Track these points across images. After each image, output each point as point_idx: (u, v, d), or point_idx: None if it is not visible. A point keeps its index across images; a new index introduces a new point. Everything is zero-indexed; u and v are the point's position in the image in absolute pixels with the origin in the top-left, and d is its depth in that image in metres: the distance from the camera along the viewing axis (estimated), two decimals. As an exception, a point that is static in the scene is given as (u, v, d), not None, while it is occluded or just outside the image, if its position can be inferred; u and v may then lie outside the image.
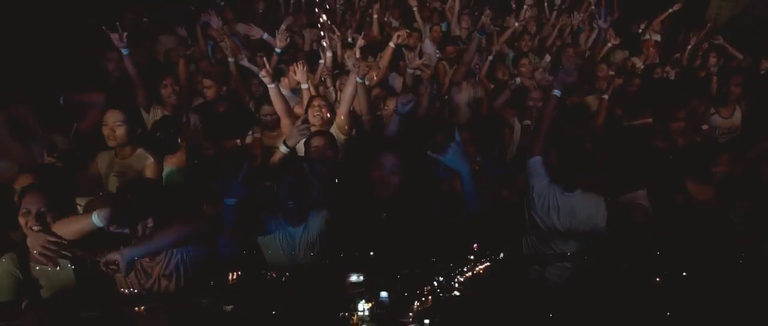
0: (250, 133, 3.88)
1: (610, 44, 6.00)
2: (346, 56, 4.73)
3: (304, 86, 3.95)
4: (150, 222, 2.18)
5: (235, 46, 4.80)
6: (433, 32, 6.26)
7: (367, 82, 3.60)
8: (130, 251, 1.95)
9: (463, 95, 4.40)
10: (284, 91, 4.03)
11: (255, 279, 2.26)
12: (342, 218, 2.55)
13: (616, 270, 2.42)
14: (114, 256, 1.91)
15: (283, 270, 2.46)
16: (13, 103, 3.35)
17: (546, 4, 7.54)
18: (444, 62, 5.41)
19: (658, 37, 7.25)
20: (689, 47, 6.44)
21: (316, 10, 6.81)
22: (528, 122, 3.92)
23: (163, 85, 3.78)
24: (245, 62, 4.19)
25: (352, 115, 3.49)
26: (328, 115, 3.57)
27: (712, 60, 5.70)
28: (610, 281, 2.40)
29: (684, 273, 2.15)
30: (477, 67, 5.08)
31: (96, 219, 2.03)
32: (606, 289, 2.37)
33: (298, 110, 3.95)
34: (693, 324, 2.10)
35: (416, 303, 1.79)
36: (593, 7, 7.09)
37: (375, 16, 6.26)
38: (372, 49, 5.43)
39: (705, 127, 4.19)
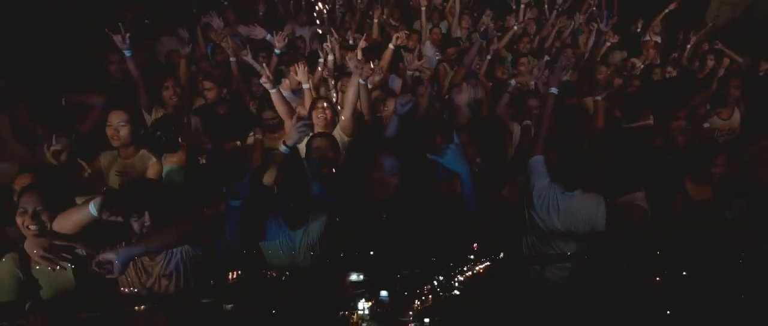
0: (252, 134, 3.89)
1: (608, 44, 6.01)
2: (347, 58, 4.75)
3: (305, 86, 3.97)
4: (147, 221, 2.19)
5: (236, 45, 4.82)
6: (433, 34, 6.28)
7: (369, 85, 3.62)
8: (125, 251, 1.94)
9: (464, 96, 4.42)
10: (285, 93, 4.04)
11: (255, 279, 2.27)
12: (342, 219, 2.56)
13: (616, 270, 2.42)
14: (108, 256, 1.90)
15: (283, 272, 2.47)
16: (15, 105, 3.36)
17: (546, 6, 7.56)
18: (445, 63, 5.42)
19: (658, 39, 7.26)
20: (689, 46, 6.45)
21: (316, 13, 6.82)
22: (528, 122, 3.93)
23: (164, 86, 3.80)
24: (249, 58, 4.21)
25: (356, 117, 3.50)
26: (332, 116, 3.58)
27: (710, 63, 5.71)
28: (609, 281, 2.40)
29: (684, 273, 2.16)
30: (477, 67, 5.09)
31: (92, 208, 2.03)
32: (606, 289, 2.38)
33: (300, 111, 3.96)
34: (693, 324, 2.11)
35: (416, 303, 1.80)
36: (594, 9, 7.11)
37: (375, 20, 6.25)
38: (372, 51, 5.44)
39: (706, 125, 4.20)
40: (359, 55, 4.43)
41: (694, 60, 6.32)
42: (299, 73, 3.92)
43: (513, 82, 4.41)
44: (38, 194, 2.23)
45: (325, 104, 3.61)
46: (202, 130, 3.92)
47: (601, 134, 3.95)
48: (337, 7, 7.10)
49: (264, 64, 3.60)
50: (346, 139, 3.39)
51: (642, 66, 6.07)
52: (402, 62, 4.89)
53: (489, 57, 5.19)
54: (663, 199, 2.98)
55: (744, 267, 2.23)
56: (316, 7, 6.86)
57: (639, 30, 7.52)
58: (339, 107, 3.97)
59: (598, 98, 4.15)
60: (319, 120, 3.52)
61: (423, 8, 6.38)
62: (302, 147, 3.28)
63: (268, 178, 2.54)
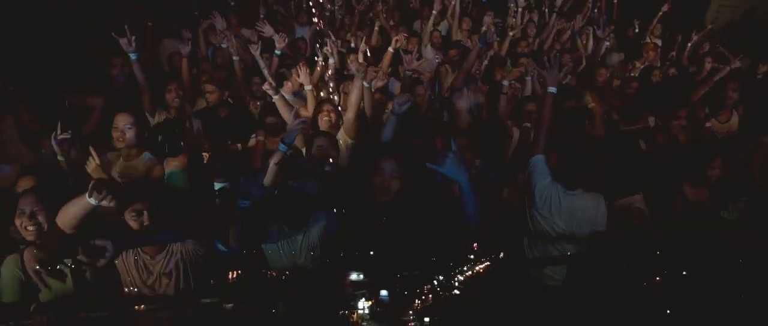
0: (253, 136, 3.90)
1: (607, 44, 6.02)
2: (349, 61, 4.77)
3: (307, 88, 4.00)
4: (146, 220, 2.21)
5: (240, 45, 4.85)
6: (434, 37, 6.30)
7: (372, 88, 3.64)
8: (120, 240, 1.97)
9: (464, 102, 4.44)
10: (287, 96, 4.06)
11: (255, 279, 2.28)
12: (342, 222, 2.57)
13: (616, 270, 2.43)
14: (102, 242, 1.93)
15: (283, 272, 2.48)
16: (19, 105, 3.37)
17: (546, 9, 7.58)
18: (446, 65, 5.44)
19: (658, 41, 7.27)
20: (690, 45, 6.47)
21: (316, 15, 6.85)
22: (527, 125, 3.94)
23: (167, 90, 3.82)
24: (257, 54, 4.25)
25: (359, 119, 3.53)
26: (336, 119, 3.62)
27: (708, 66, 5.73)
28: (609, 281, 2.41)
29: (684, 273, 2.16)
30: (477, 72, 5.10)
31: (91, 198, 2.04)
32: (605, 289, 2.38)
33: (303, 113, 3.99)
34: (693, 324, 2.11)
35: (416, 302, 1.80)
36: (595, 11, 7.12)
37: (376, 28, 6.26)
38: (372, 53, 5.46)
39: (708, 124, 4.21)
40: (361, 58, 4.44)
41: (694, 61, 6.33)
42: (301, 76, 3.95)
43: (505, 82, 4.41)
44: (35, 195, 2.25)
45: (330, 107, 3.65)
46: (203, 132, 3.94)
47: (599, 138, 3.96)
48: (336, 8, 7.13)
49: (266, 71, 3.62)
50: (349, 141, 3.41)
51: (641, 67, 6.08)
52: (401, 65, 4.91)
53: (486, 62, 5.21)
54: (661, 202, 2.99)
55: (744, 267, 2.23)
56: (315, 10, 6.89)
57: (637, 30, 7.54)
58: (341, 110, 4.00)
59: (592, 105, 4.14)
60: (324, 123, 3.57)
61: (434, 12, 6.40)
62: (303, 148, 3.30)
63: (267, 179, 2.55)
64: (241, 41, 5.52)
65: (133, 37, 3.61)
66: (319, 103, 3.75)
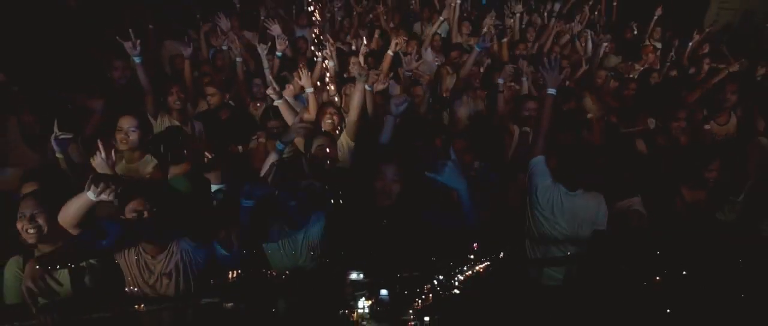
0: (255, 138, 3.92)
1: (605, 45, 6.05)
2: (351, 64, 4.80)
3: (309, 90, 4.02)
4: (145, 213, 2.23)
5: (243, 47, 4.88)
6: (434, 40, 6.32)
7: (374, 91, 3.66)
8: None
9: (464, 109, 4.47)
10: (289, 99, 4.08)
11: (255, 279, 2.28)
12: (343, 225, 2.58)
13: (616, 270, 2.43)
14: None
15: (283, 271, 2.49)
16: (23, 107, 3.38)
17: (546, 12, 7.61)
18: (447, 67, 5.46)
19: (658, 44, 7.30)
20: (691, 45, 6.48)
21: (314, 19, 6.88)
22: (526, 129, 3.94)
23: (169, 93, 3.84)
24: (263, 53, 4.27)
25: (361, 122, 3.55)
26: (339, 121, 3.66)
27: (705, 67, 5.75)
28: (609, 281, 2.41)
29: (684, 273, 2.17)
30: (477, 80, 5.12)
31: (90, 192, 2.06)
32: (605, 289, 2.39)
33: (306, 116, 4.01)
34: (692, 324, 2.12)
35: (417, 302, 1.81)
36: (595, 14, 7.14)
37: (376, 35, 6.29)
38: (372, 55, 5.48)
39: (707, 126, 4.21)
40: (362, 61, 4.46)
41: (693, 62, 6.35)
42: (303, 79, 3.98)
43: (501, 80, 4.43)
44: (34, 199, 2.28)
45: (333, 109, 3.69)
46: (205, 135, 3.96)
47: (597, 142, 3.97)
48: (335, 11, 7.16)
49: (269, 73, 3.63)
50: (351, 144, 3.43)
51: (641, 69, 6.10)
52: (401, 67, 4.93)
53: (482, 70, 5.23)
54: (660, 204, 3.00)
55: (744, 267, 2.24)
56: (315, 13, 6.92)
57: (636, 32, 7.56)
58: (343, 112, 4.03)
59: (590, 116, 4.15)
60: (327, 125, 3.60)
61: (442, 18, 6.42)
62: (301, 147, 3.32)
63: (266, 177, 2.58)
64: (243, 43, 5.54)
65: (139, 42, 3.63)
66: (322, 105, 3.78)
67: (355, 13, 7.28)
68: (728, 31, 8.30)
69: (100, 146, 2.70)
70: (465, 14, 7.49)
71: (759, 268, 2.20)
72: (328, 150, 3.04)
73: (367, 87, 3.39)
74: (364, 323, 1.74)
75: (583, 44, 6.69)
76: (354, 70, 3.67)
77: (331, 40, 4.90)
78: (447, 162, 2.19)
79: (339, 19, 7.26)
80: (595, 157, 2.93)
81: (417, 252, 2.24)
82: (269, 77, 3.99)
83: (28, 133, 3.34)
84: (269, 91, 3.42)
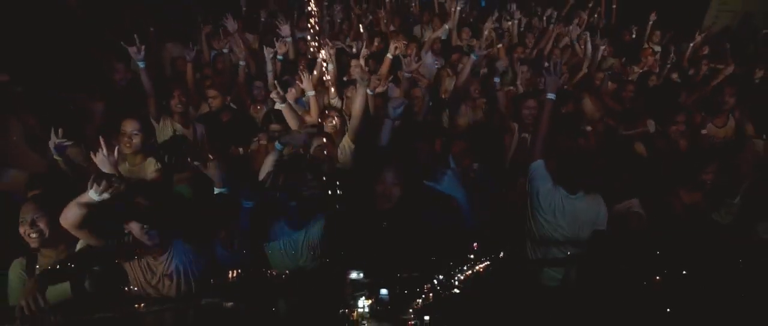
0: (256, 140, 3.94)
1: (604, 48, 6.07)
2: (352, 68, 4.82)
3: (310, 93, 4.04)
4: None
5: (246, 49, 4.90)
6: (434, 44, 6.34)
7: (374, 93, 3.68)
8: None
9: (463, 119, 4.49)
10: (292, 103, 4.10)
11: (255, 279, 2.30)
12: (344, 228, 2.59)
13: (615, 270, 2.44)
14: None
15: (283, 271, 2.50)
16: (27, 110, 3.40)
17: (545, 17, 7.63)
18: (447, 69, 5.47)
19: (657, 47, 7.32)
20: (692, 45, 6.49)
21: (314, 21, 6.91)
22: (525, 135, 3.95)
23: (171, 96, 3.86)
24: (269, 56, 4.30)
25: (363, 125, 3.56)
26: (342, 124, 3.69)
27: (704, 68, 5.76)
28: (609, 281, 2.42)
29: (684, 273, 2.18)
30: (475, 90, 5.13)
31: (92, 191, 2.06)
32: (605, 289, 2.40)
33: (308, 119, 4.03)
34: (692, 324, 2.12)
35: (417, 301, 1.82)
36: (595, 16, 7.16)
37: (377, 41, 6.32)
38: (373, 58, 5.50)
39: (704, 131, 4.23)
40: (363, 64, 4.48)
41: (693, 63, 6.37)
42: (304, 82, 4.00)
43: (497, 79, 4.44)
44: (35, 203, 2.30)
45: (335, 113, 3.74)
46: (206, 137, 3.98)
47: (594, 145, 3.97)
48: (335, 13, 7.18)
49: (271, 76, 3.64)
50: (353, 147, 3.44)
51: (640, 72, 6.12)
52: (401, 70, 4.95)
53: (480, 73, 5.25)
54: (658, 206, 3.01)
55: (743, 267, 2.25)
56: (314, 17, 6.95)
57: (634, 36, 7.58)
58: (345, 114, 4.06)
59: (588, 128, 4.16)
60: (329, 129, 3.63)
61: (446, 26, 6.44)
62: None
63: (264, 177, 2.59)
64: (246, 46, 5.57)
65: (143, 46, 3.65)
66: (325, 108, 3.82)
67: (353, 15, 7.30)
68: (727, 33, 8.32)
69: (102, 143, 2.70)
70: (464, 15, 7.51)
71: (756, 269, 2.21)
72: (327, 150, 3.05)
73: (369, 91, 3.41)
74: (364, 323, 1.75)
75: (582, 47, 6.71)
76: (355, 73, 3.69)
77: (330, 44, 4.93)
78: (446, 170, 2.22)
79: (338, 21, 7.28)
80: (593, 160, 2.95)
81: (417, 253, 2.25)
82: (272, 80, 4.00)
83: (29, 134, 3.36)
84: (273, 96, 3.44)
